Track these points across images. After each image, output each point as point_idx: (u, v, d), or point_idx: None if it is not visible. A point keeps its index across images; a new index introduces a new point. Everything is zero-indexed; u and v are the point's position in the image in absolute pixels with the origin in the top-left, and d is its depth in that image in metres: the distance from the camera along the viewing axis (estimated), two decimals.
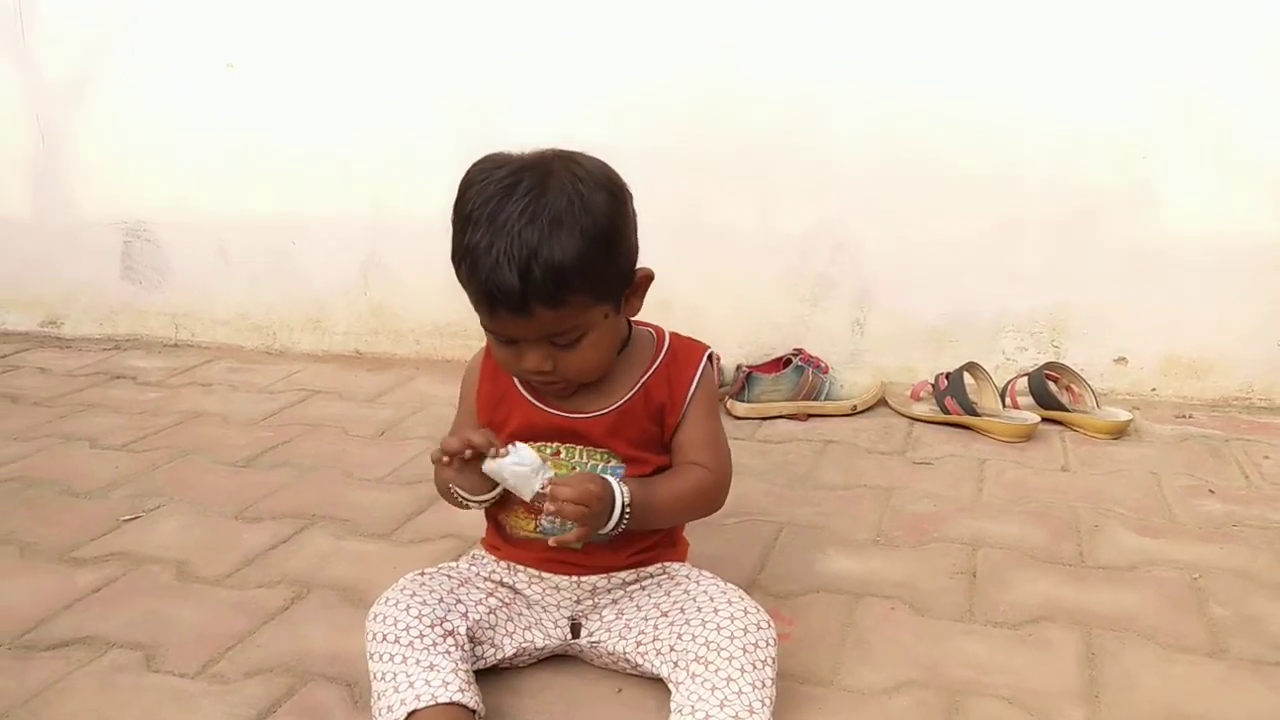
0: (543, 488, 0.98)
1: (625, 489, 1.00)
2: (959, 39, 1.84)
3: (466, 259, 0.93)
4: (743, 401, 1.87)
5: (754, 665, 0.95)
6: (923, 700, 1.02)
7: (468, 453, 0.97)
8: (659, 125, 1.96)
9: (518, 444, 0.99)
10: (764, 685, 0.94)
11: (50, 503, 1.54)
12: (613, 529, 1.00)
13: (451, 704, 0.94)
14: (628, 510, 1.00)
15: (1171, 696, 1.03)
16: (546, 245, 0.91)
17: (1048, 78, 1.82)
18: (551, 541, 1.00)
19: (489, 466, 0.98)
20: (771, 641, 0.98)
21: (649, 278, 1.03)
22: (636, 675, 1.06)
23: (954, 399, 1.78)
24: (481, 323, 0.99)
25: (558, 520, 1.01)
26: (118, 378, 2.18)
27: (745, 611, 0.99)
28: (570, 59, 2.01)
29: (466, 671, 0.98)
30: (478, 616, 1.04)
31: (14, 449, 1.75)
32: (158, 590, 1.27)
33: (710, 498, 1.08)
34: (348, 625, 1.16)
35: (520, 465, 0.98)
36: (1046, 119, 1.83)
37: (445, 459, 0.98)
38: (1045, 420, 1.77)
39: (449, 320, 2.22)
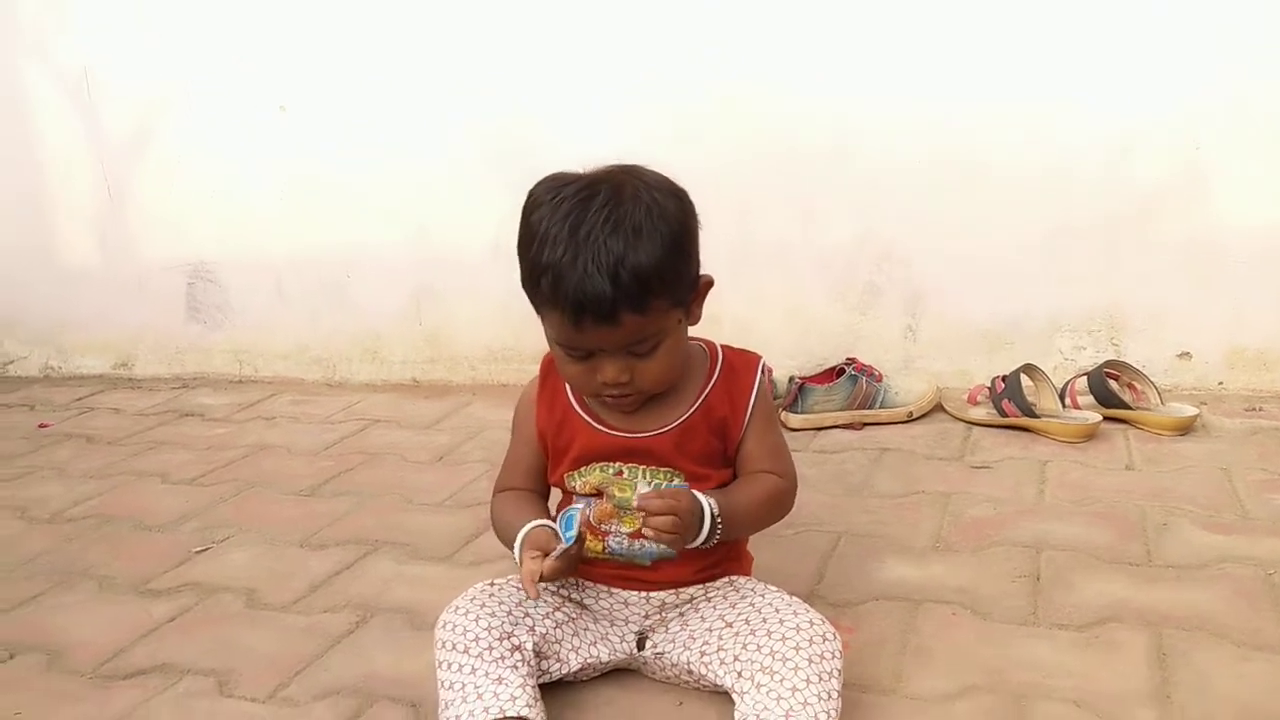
0: (580, 526, 1.01)
1: (711, 499, 1.01)
2: (1000, 42, 1.82)
3: (548, 274, 0.94)
4: (797, 413, 1.87)
5: (820, 676, 0.94)
6: (987, 705, 1.01)
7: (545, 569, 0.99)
8: (703, 144, 1.97)
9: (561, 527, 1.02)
10: (830, 697, 0.94)
11: (125, 537, 1.59)
12: (706, 539, 1.01)
13: (519, 718, 0.95)
14: (718, 520, 1.00)
15: (1247, 695, 1.00)
16: (633, 251, 0.93)
17: (1094, 75, 1.79)
18: (649, 562, 1.04)
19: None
20: (837, 653, 0.98)
21: (710, 283, 1.05)
22: (698, 689, 1.06)
23: (1012, 401, 1.75)
24: (557, 340, 1.00)
25: (634, 542, 1.03)
26: (186, 415, 2.24)
27: (811, 623, 0.99)
28: (613, 82, 2.04)
29: (534, 686, 0.99)
30: (544, 630, 1.05)
31: (91, 486, 1.81)
32: (229, 618, 1.30)
33: (785, 503, 1.10)
34: (412, 647, 1.18)
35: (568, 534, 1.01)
36: (1094, 117, 1.81)
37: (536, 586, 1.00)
38: (1107, 419, 1.74)
39: (502, 345, 2.25)
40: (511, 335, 2.21)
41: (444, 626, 1.03)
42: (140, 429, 2.16)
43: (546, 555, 0.99)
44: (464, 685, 0.98)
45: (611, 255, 0.92)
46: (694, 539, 1.00)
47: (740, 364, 1.10)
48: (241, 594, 1.36)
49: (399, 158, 2.23)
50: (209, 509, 1.68)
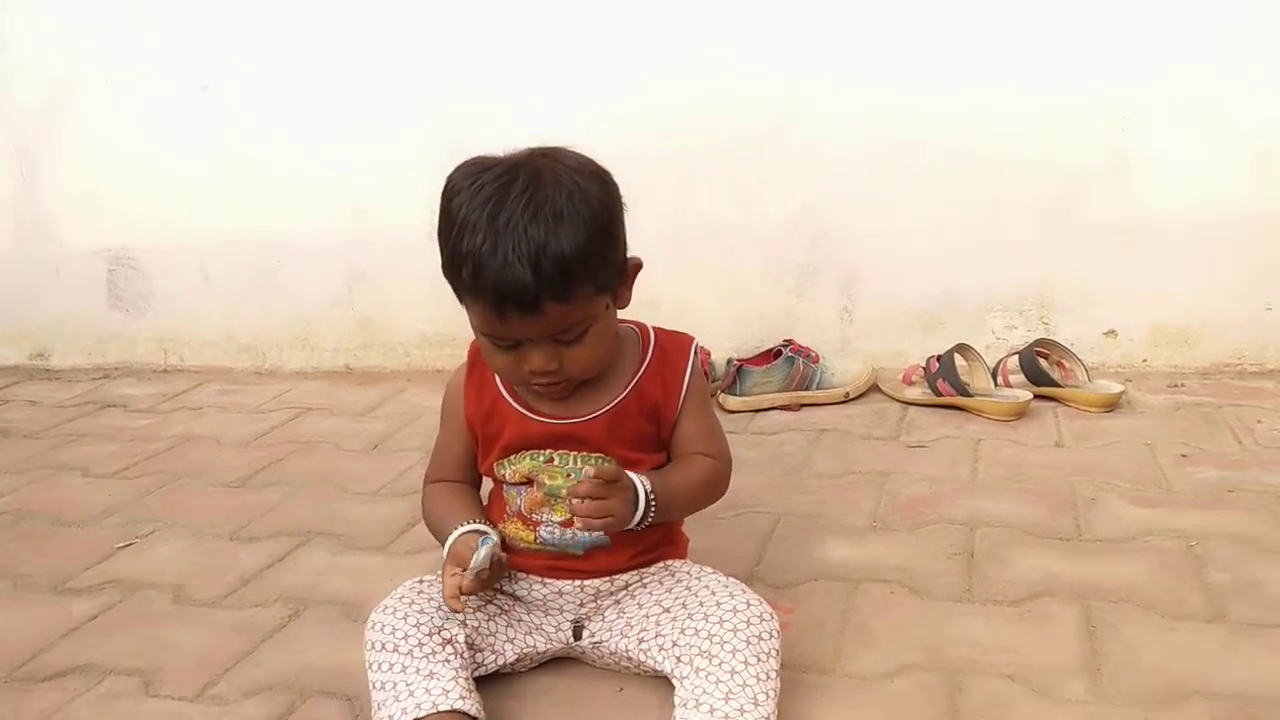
0: (489, 559, 1.00)
1: (644, 479, 1.00)
2: (935, 25, 1.84)
3: (468, 264, 0.91)
4: (735, 395, 1.87)
5: (758, 657, 0.94)
6: (925, 682, 1.02)
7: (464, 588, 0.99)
8: (640, 124, 1.95)
9: (478, 551, 1.00)
10: (769, 677, 0.94)
11: (44, 534, 1.53)
12: (640, 520, 0.99)
13: (453, 711, 0.93)
14: (652, 500, 0.99)
15: (1173, 664, 1.02)
16: (554, 239, 0.90)
17: (1025, 58, 1.82)
18: (581, 551, 1.03)
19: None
20: (775, 633, 0.98)
21: (639, 266, 1.03)
22: (638, 674, 1.05)
23: (946, 381, 1.78)
24: (481, 330, 0.98)
25: (565, 531, 1.03)
26: (108, 406, 2.17)
27: (748, 604, 0.99)
28: (547, 58, 2.01)
29: (467, 679, 0.98)
30: (477, 623, 1.03)
31: (6, 482, 1.74)
32: (154, 615, 1.26)
33: (720, 485, 1.09)
34: (347, 640, 1.16)
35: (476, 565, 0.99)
36: (1025, 100, 1.84)
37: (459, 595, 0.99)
38: (1038, 397, 1.77)
39: (437, 330, 2.21)
40: (446, 320, 2.17)
41: (373, 627, 1.01)
42: (59, 421, 2.08)
43: (455, 592, 0.98)
44: (395, 684, 0.96)
45: (532, 244, 0.90)
46: (628, 521, 0.98)
47: (672, 346, 1.09)
48: (168, 590, 1.32)
49: (329, 139, 2.17)
50: (133, 503, 1.62)
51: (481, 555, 0.99)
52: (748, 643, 0.95)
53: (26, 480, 1.75)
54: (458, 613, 1.01)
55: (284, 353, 2.34)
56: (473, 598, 1.05)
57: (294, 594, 1.29)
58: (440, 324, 2.20)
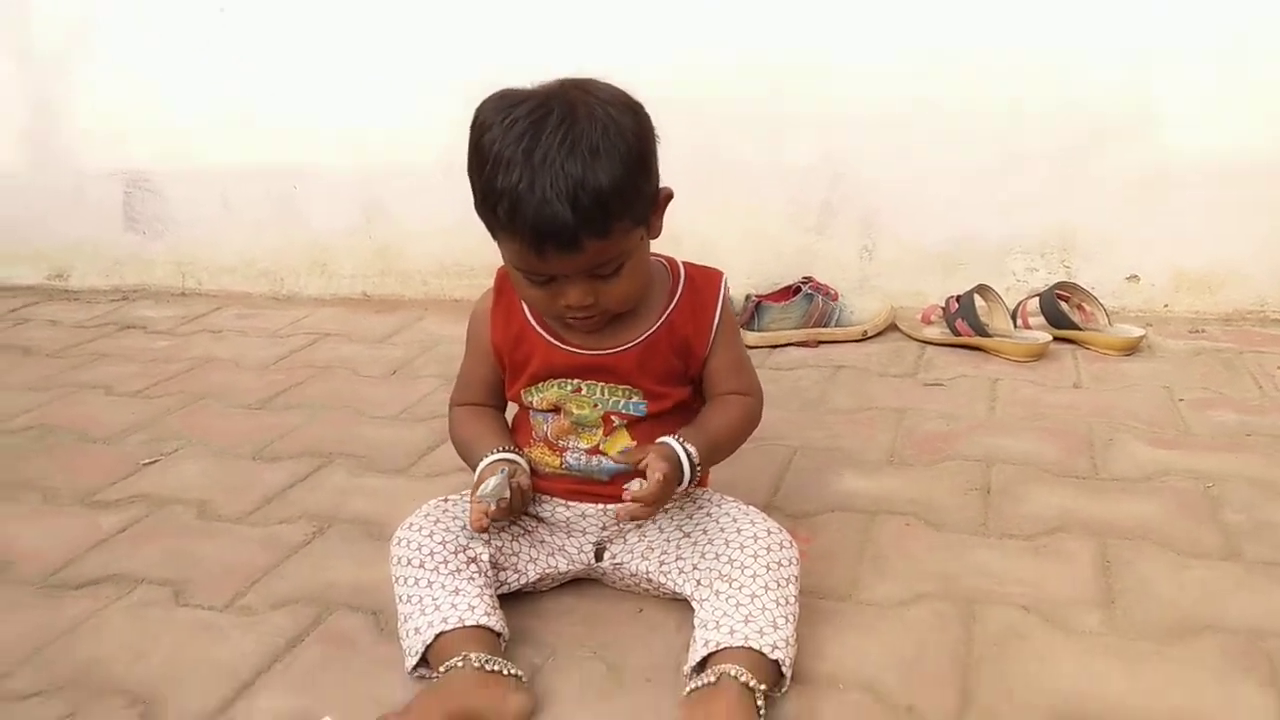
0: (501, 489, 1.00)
1: (689, 447, 0.99)
2: None
3: (504, 201, 0.89)
4: (753, 330, 1.87)
5: (777, 583, 0.96)
6: (940, 610, 1.04)
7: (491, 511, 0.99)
8: (665, 61, 1.92)
9: (487, 481, 1.00)
10: (787, 602, 0.95)
11: (69, 449, 1.55)
12: (686, 485, 1.00)
13: (478, 627, 0.95)
14: (697, 466, 1.00)
15: (1186, 600, 1.04)
16: (591, 174, 0.88)
17: (1047, 9, 1.79)
18: (607, 478, 1.04)
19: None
20: (794, 560, 0.99)
21: (670, 196, 1.01)
22: (657, 596, 1.07)
23: (965, 321, 1.77)
24: (517, 265, 0.96)
25: (591, 458, 1.05)
26: (128, 327, 2.18)
27: (769, 532, 1.00)
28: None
29: (491, 596, 1.00)
30: (500, 543, 1.05)
31: (30, 398, 1.76)
32: (181, 529, 1.28)
33: (755, 421, 1.10)
34: (370, 557, 1.18)
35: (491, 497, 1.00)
36: (1047, 45, 1.82)
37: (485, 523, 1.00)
38: (1057, 339, 1.77)
39: (455, 260, 2.21)
40: (464, 250, 2.17)
41: (398, 543, 1.03)
42: (79, 341, 2.10)
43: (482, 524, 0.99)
44: (420, 598, 0.98)
45: (570, 179, 0.88)
46: (675, 492, 0.99)
47: (703, 281, 1.08)
48: (193, 506, 1.34)
49: (348, 65, 2.15)
50: (156, 421, 1.64)
51: (491, 487, 0.99)
52: (767, 568, 0.96)
53: (50, 397, 1.77)
54: (483, 534, 1.02)
55: (301, 279, 2.35)
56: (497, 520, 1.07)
57: (317, 512, 1.31)
58: (458, 253, 2.19)
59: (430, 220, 2.18)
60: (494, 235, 0.96)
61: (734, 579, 0.96)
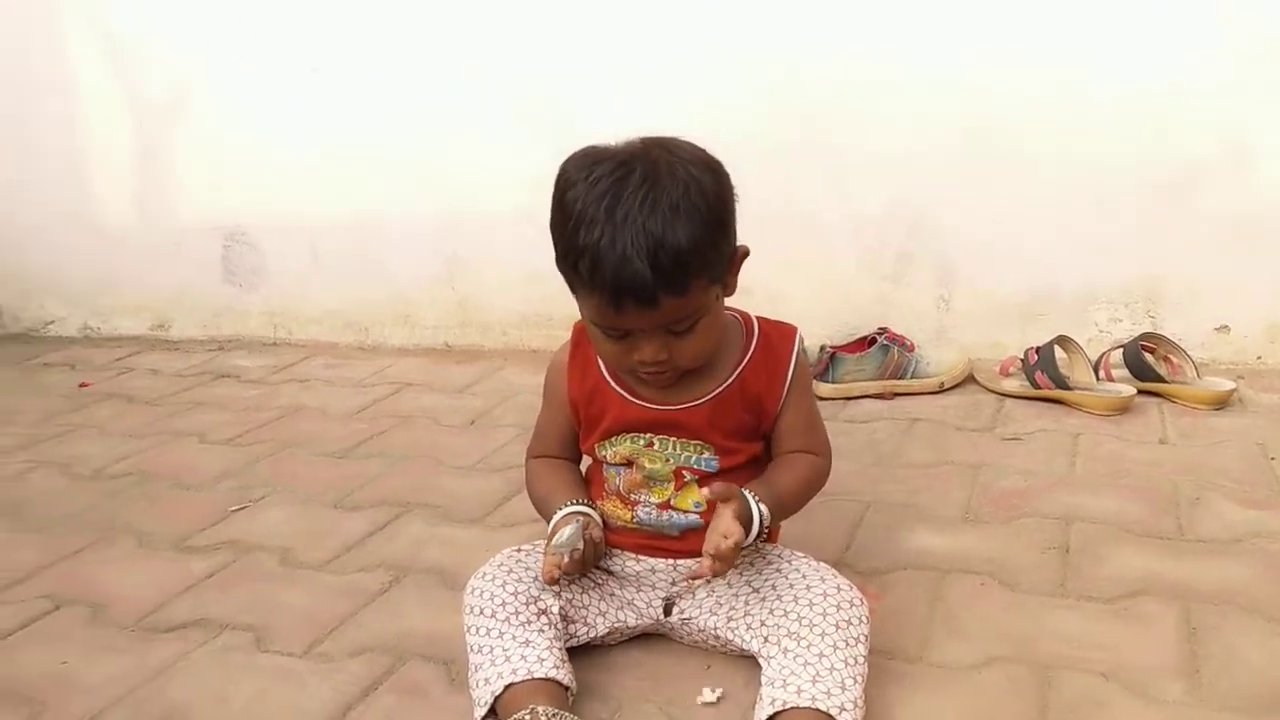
0: (575, 540, 1.03)
1: (761, 506, 1.00)
2: (1037, 10, 1.79)
3: (586, 257, 0.92)
4: (827, 382, 1.86)
5: (846, 642, 0.95)
6: (1014, 675, 1.01)
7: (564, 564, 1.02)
8: (736, 112, 1.95)
9: (562, 532, 1.04)
10: (856, 662, 0.95)
11: (164, 495, 1.62)
12: (754, 541, 1.01)
13: (547, 680, 0.97)
14: (766, 524, 1.01)
15: (1276, 670, 0.99)
16: (671, 233, 0.90)
17: (1135, 43, 1.76)
18: (677, 533, 1.05)
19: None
20: (864, 619, 0.98)
21: (746, 253, 1.03)
22: (725, 653, 1.07)
23: (1045, 373, 1.74)
24: (594, 320, 0.99)
25: (662, 513, 1.07)
26: (222, 376, 2.28)
27: (839, 589, 1.00)
28: (639, 51, 2.02)
29: (561, 649, 1.01)
30: (570, 595, 1.06)
31: (130, 445, 1.85)
32: (265, 575, 1.33)
33: (823, 479, 1.10)
34: (444, 607, 1.20)
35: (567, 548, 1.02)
36: (1134, 84, 1.78)
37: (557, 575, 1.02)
38: (1142, 393, 1.72)
39: (534, 311, 2.26)
40: (542, 300, 2.22)
41: (472, 592, 1.05)
42: (178, 389, 2.20)
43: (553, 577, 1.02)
44: (492, 649, 1.00)
45: (651, 237, 0.90)
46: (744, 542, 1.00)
47: (777, 336, 1.09)
48: (276, 552, 1.39)
49: (430, 122, 2.23)
50: (245, 469, 1.71)
51: (566, 537, 1.02)
52: (836, 627, 0.96)
53: (148, 444, 1.86)
54: (553, 585, 1.04)
55: (386, 329, 2.42)
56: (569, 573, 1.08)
57: (394, 561, 1.34)
58: (536, 304, 2.24)
59: (508, 272, 2.24)
60: (574, 291, 0.99)
61: (802, 637, 0.95)
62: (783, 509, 1.05)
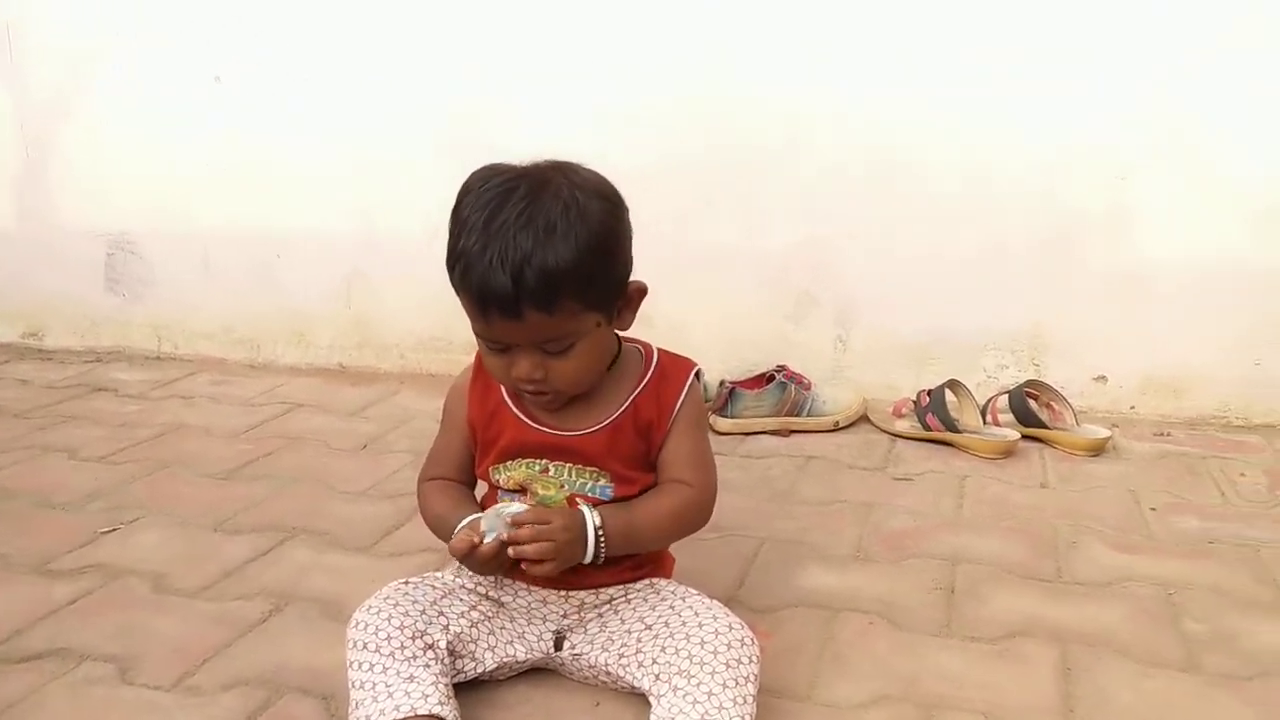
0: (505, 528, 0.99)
1: (597, 515, 1.00)
2: (942, 61, 1.86)
3: (460, 262, 0.94)
4: (726, 417, 1.88)
5: (736, 681, 0.95)
6: (898, 714, 1.03)
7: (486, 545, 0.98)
8: (645, 142, 1.97)
9: (483, 515, 1.01)
10: (745, 701, 0.94)
11: (27, 514, 1.53)
12: (594, 556, 1.00)
13: (431, 716, 0.94)
14: (601, 535, 1.00)
15: (1146, 711, 1.03)
16: (540, 250, 0.91)
17: (1029, 101, 1.83)
18: (524, 567, 0.99)
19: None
20: (754, 659, 0.98)
21: (642, 291, 1.03)
22: (615, 689, 1.06)
23: (936, 415, 1.79)
24: (474, 329, 1.00)
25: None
26: (99, 390, 2.17)
27: (730, 628, 0.99)
28: (558, 76, 2.02)
29: (446, 685, 0.98)
30: (459, 630, 1.04)
31: None
32: (134, 602, 1.26)
33: (695, 515, 1.08)
34: (326, 638, 1.16)
35: (490, 530, 0.99)
36: (1027, 142, 1.85)
37: (464, 556, 0.99)
38: (1025, 437, 1.79)
39: (433, 334, 2.22)
40: (443, 325, 2.18)
41: (356, 625, 1.01)
42: (49, 402, 2.08)
43: (471, 546, 0.98)
44: (374, 684, 0.96)
45: (519, 251, 0.91)
46: (580, 555, 1.00)
47: (673, 369, 1.10)
48: (149, 578, 1.32)
49: (337, 136, 2.18)
50: (119, 488, 1.62)
51: (495, 520, 0.98)
52: (727, 665, 0.95)
53: (12, 460, 1.75)
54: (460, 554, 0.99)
55: (279, 347, 2.35)
56: (457, 601, 1.06)
57: (275, 589, 1.29)
58: (437, 328, 2.20)
59: (410, 293, 2.20)
60: (458, 295, 0.99)
61: (693, 675, 0.95)
62: (632, 528, 1.03)
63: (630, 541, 1.03)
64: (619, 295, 1.01)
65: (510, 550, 0.97)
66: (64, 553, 1.39)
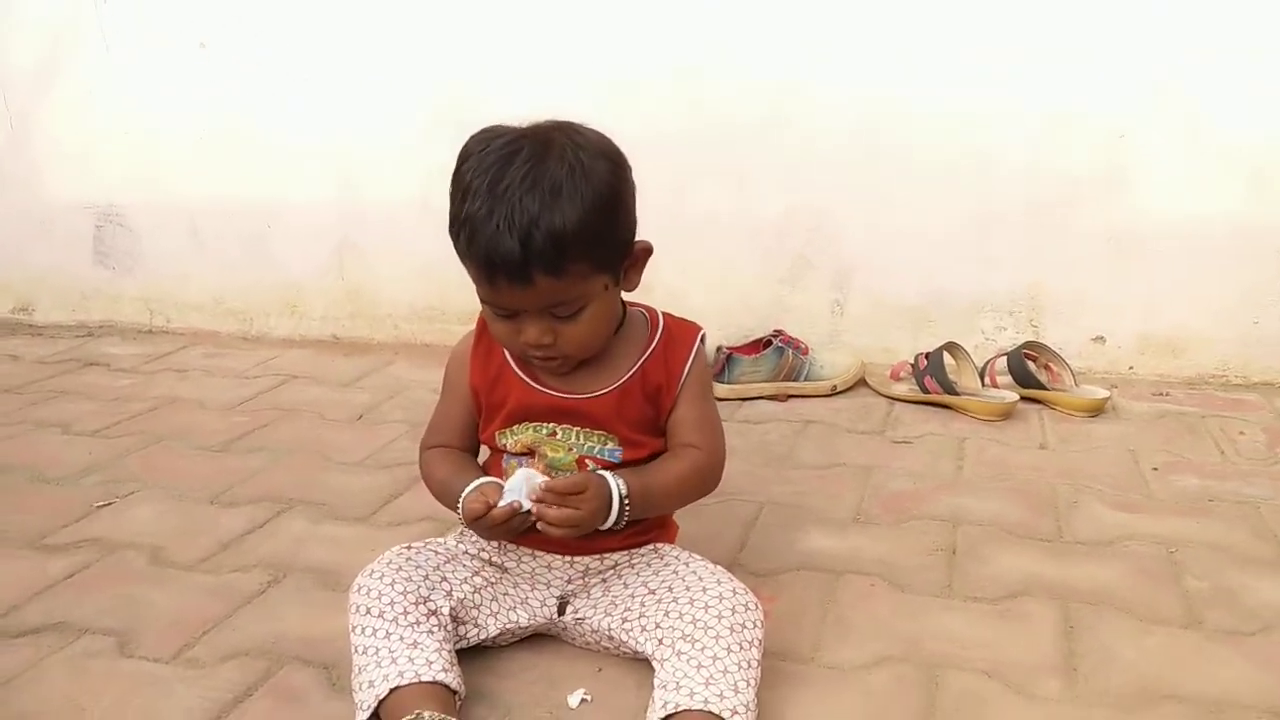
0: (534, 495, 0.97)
1: (620, 481, 0.99)
2: (937, 24, 1.83)
3: (465, 228, 0.92)
4: (723, 383, 1.87)
5: (740, 645, 0.94)
6: (902, 675, 1.03)
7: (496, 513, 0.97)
8: (639, 109, 1.94)
9: (506, 483, 0.99)
10: (750, 666, 0.94)
11: (22, 489, 1.52)
12: (615, 522, 0.99)
13: (435, 683, 0.93)
14: (626, 502, 0.99)
15: (1148, 667, 1.03)
16: (548, 212, 0.90)
17: (1025, 62, 1.81)
18: (554, 533, 0.97)
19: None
20: (758, 623, 0.98)
21: (648, 250, 1.02)
22: (617, 655, 1.05)
23: (934, 378, 1.78)
24: (480, 296, 0.98)
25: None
26: (91, 364, 2.15)
27: (734, 592, 0.99)
28: (549, 42, 1.99)
29: (450, 651, 0.98)
30: (462, 595, 1.03)
31: None
32: (131, 576, 1.25)
33: (706, 479, 1.08)
34: (325, 609, 1.15)
35: (512, 492, 0.98)
36: (1024, 103, 1.83)
37: (476, 519, 0.98)
38: (1024, 399, 1.78)
39: (427, 304, 2.20)
40: (437, 294, 2.17)
41: (358, 590, 1.00)
42: (40, 377, 2.06)
43: (487, 506, 0.97)
44: (378, 650, 0.96)
45: (526, 214, 0.90)
46: (599, 524, 0.99)
47: (680, 333, 1.09)
48: (146, 551, 1.31)
49: (325, 106, 2.15)
50: (113, 462, 1.61)
51: (520, 483, 0.97)
52: (731, 630, 0.95)
53: (5, 435, 1.73)
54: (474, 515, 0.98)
55: (271, 319, 2.33)
56: (460, 567, 1.05)
57: (273, 561, 1.28)
58: (430, 297, 2.19)
59: (403, 263, 2.18)
60: (462, 263, 0.97)
61: (697, 639, 0.94)
62: (650, 494, 1.02)
63: (646, 506, 1.03)
64: (626, 255, 1.00)
65: (535, 516, 0.95)
66: (59, 527, 1.38)
